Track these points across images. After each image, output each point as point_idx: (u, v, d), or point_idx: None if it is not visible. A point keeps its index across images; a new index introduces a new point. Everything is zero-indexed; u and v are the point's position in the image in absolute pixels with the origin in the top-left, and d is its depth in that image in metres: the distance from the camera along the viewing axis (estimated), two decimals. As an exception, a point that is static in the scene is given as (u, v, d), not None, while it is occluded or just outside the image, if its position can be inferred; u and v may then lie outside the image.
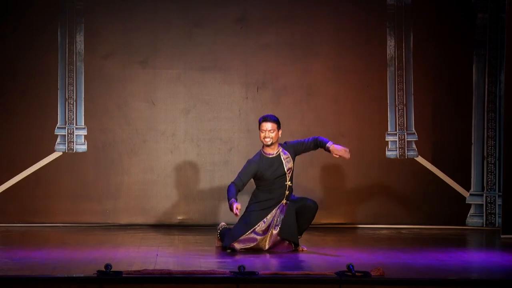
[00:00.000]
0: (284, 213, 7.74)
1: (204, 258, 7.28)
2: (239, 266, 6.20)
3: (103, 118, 9.69)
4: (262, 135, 7.77)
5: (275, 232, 7.73)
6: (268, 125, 7.76)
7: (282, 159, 7.79)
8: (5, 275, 6.31)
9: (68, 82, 9.69)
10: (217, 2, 9.71)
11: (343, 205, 9.73)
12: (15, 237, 8.85)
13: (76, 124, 9.68)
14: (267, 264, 7.05)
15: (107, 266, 6.18)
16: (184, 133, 9.73)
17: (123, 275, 6.13)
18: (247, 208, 7.86)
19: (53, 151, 9.65)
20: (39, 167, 9.61)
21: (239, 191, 7.74)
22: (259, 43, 9.71)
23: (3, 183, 9.59)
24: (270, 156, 7.79)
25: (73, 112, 9.68)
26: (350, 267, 6.19)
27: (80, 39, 9.67)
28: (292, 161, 7.81)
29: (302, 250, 7.77)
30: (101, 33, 9.69)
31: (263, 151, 7.83)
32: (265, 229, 7.75)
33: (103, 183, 9.63)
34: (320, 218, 9.70)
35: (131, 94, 9.71)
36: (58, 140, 9.67)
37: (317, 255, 7.59)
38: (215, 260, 7.23)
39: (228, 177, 9.68)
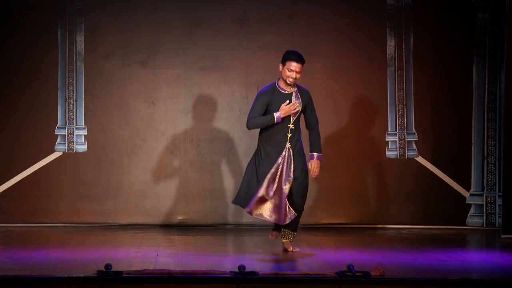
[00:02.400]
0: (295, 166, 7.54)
1: (204, 258, 7.28)
2: (239, 266, 6.20)
3: (103, 118, 9.69)
4: (288, 74, 7.47)
5: (284, 181, 7.52)
6: (299, 67, 7.47)
7: (293, 99, 7.56)
8: (5, 275, 6.32)
9: (68, 82, 9.69)
10: (217, 2, 9.71)
11: (343, 205, 9.72)
12: (15, 237, 8.85)
13: (76, 124, 9.68)
14: (267, 264, 7.05)
15: (107, 266, 6.18)
16: (184, 133, 9.73)
17: (123, 275, 6.13)
18: (255, 153, 7.68)
19: (53, 151, 9.65)
20: (39, 167, 9.60)
21: None
22: (259, 43, 9.71)
23: (3, 183, 9.59)
24: (283, 92, 7.58)
25: (73, 112, 9.68)
26: (350, 267, 6.19)
27: (80, 39, 9.67)
28: (301, 106, 7.58)
29: (293, 251, 7.71)
30: (101, 33, 9.69)
31: (278, 85, 7.60)
32: (275, 176, 7.51)
33: (103, 183, 9.63)
34: (320, 218, 9.71)
35: (131, 94, 9.70)
36: (58, 140, 9.67)
37: (317, 255, 7.59)
38: (215, 260, 7.23)
39: (228, 177, 9.68)
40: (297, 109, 7.57)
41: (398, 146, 9.79)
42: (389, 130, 9.81)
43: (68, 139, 9.66)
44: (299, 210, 7.63)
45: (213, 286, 6.13)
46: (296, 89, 7.62)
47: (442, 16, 9.80)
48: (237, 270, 6.19)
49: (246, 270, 6.18)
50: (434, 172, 9.75)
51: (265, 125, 7.56)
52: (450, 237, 9.10)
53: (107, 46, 9.69)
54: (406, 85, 9.81)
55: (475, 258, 7.76)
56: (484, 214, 9.77)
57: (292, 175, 7.54)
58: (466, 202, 9.77)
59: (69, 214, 9.60)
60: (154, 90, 9.73)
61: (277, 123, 7.53)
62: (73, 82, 9.68)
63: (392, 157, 9.80)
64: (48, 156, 9.62)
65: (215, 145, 9.73)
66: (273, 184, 7.52)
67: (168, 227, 9.56)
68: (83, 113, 9.68)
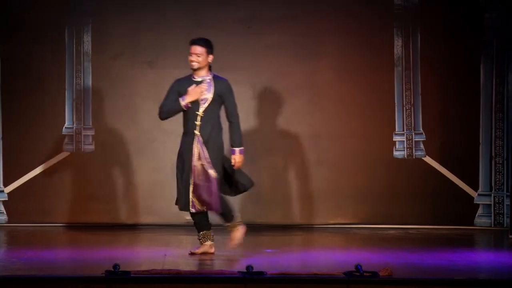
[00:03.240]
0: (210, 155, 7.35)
1: (212, 258, 7.28)
2: (247, 266, 6.19)
3: (110, 118, 9.69)
4: (189, 58, 7.37)
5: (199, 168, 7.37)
6: (196, 49, 7.35)
7: (204, 85, 7.39)
8: (13, 275, 6.33)
9: (76, 82, 9.70)
10: (224, 2, 9.71)
11: (351, 205, 9.71)
12: (23, 237, 8.86)
13: (83, 124, 9.69)
14: (275, 263, 7.04)
15: (115, 266, 6.18)
16: (191, 133, 9.72)
17: (131, 275, 6.13)
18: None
19: (61, 151, 9.66)
20: (47, 167, 9.62)
21: None
22: (266, 43, 9.71)
23: (12, 182, 9.61)
24: (195, 79, 7.41)
25: (81, 112, 9.69)
26: (358, 267, 6.18)
27: (87, 40, 9.68)
28: (212, 94, 7.36)
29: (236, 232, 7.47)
30: (109, 33, 9.70)
31: (192, 74, 7.45)
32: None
33: (111, 183, 9.63)
34: (328, 218, 9.71)
35: (139, 94, 9.71)
36: (66, 140, 9.68)
37: (325, 255, 7.58)
38: (223, 260, 7.23)
39: (235, 177, 9.68)
40: (205, 96, 7.37)
41: (405, 146, 9.78)
42: (396, 130, 9.80)
43: (75, 139, 9.67)
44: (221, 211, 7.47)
45: (221, 286, 6.12)
46: (210, 77, 7.44)
47: (449, 16, 9.78)
48: (245, 270, 6.18)
49: (254, 270, 6.17)
50: (442, 172, 9.73)
51: (174, 112, 7.44)
52: (458, 237, 9.09)
53: (115, 47, 9.70)
54: (414, 85, 9.80)
55: (483, 258, 7.74)
56: (492, 214, 9.75)
57: (210, 163, 7.35)
58: (474, 202, 9.75)
59: (77, 214, 9.61)
60: (162, 90, 9.68)
61: (189, 110, 7.36)
62: (81, 83, 9.69)
63: (399, 157, 9.79)
64: (56, 156, 9.63)
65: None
66: (195, 175, 7.38)
67: (176, 227, 9.55)
68: (90, 113, 9.69)
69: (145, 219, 9.67)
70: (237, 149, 7.50)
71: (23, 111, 9.62)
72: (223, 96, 7.44)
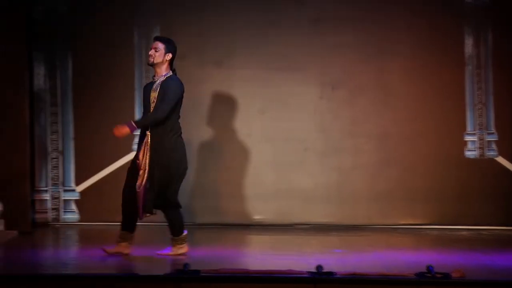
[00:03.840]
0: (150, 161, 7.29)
1: (281, 258, 7.27)
2: (317, 266, 6.17)
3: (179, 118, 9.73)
4: (148, 53, 7.43)
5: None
6: (155, 43, 7.39)
7: (156, 85, 7.39)
8: (85, 273, 6.40)
9: (145, 83, 9.76)
10: (293, 1, 9.69)
11: (421, 205, 9.61)
12: (95, 236, 8.96)
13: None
14: (345, 264, 7.00)
15: (185, 265, 6.22)
16: (260, 133, 9.73)
17: (201, 274, 6.16)
18: None
19: (130, 150, 9.74)
20: (117, 166, 9.71)
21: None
22: (334, 43, 9.66)
23: (83, 182, 9.73)
24: (154, 79, 7.44)
25: (150, 112, 9.75)
26: (429, 268, 6.11)
27: (156, 40, 9.75)
28: (157, 93, 7.33)
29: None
30: (177, 33, 9.73)
31: (154, 74, 7.50)
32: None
33: (180, 182, 9.67)
34: (398, 219, 9.62)
35: (207, 93, 9.74)
36: (135, 139, 9.75)
37: (395, 256, 7.52)
38: (292, 260, 7.21)
39: (303, 177, 9.65)
40: (154, 94, 7.34)
41: (477, 146, 9.64)
42: (467, 130, 9.67)
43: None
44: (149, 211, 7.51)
45: (290, 286, 6.11)
46: (163, 78, 7.40)
47: (521, 13, 9.62)
48: (314, 270, 6.16)
49: (323, 270, 6.14)
50: (515, 173, 9.58)
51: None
52: (531, 238, 8.93)
53: (183, 47, 9.71)
54: (485, 84, 9.65)
55: (558, 260, 7.58)
56: None
57: (147, 167, 7.35)
58: (548, 203, 9.58)
59: (147, 213, 9.67)
60: (230, 89, 9.74)
61: (146, 110, 7.39)
62: (150, 83, 9.76)
63: (471, 157, 9.65)
64: (126, 156, 9.73)
65: (291, 144, 9.71)
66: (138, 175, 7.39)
67: (244, 226, 9.56)
68: (159, 113, 9.75)
69: (213, 218, 9.68)
70: (131, 122, 7.39)
71: (94, 111, 9.73)
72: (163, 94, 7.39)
